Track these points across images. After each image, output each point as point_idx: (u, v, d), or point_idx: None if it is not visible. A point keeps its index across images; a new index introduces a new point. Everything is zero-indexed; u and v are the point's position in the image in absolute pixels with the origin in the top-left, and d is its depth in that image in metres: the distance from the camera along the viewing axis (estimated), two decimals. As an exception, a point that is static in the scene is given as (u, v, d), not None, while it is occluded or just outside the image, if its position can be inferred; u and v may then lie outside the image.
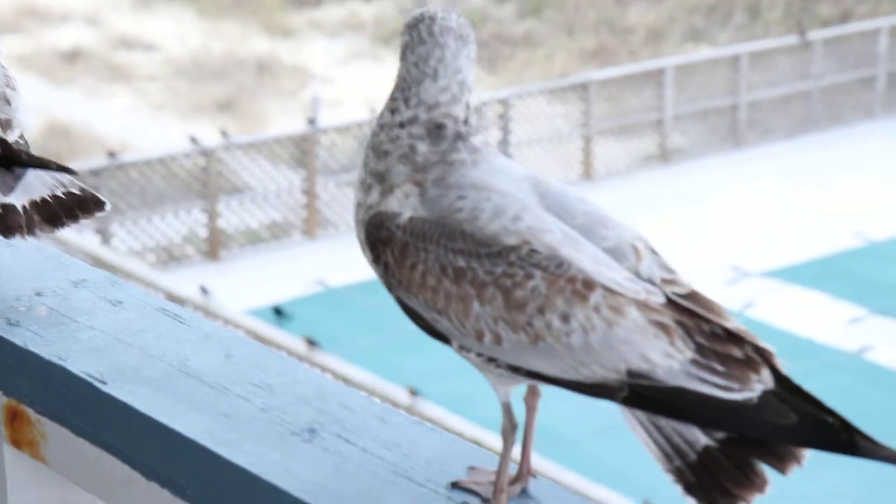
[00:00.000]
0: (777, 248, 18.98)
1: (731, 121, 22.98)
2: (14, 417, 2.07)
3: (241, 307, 15.89)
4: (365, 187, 1.76)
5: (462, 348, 1.70)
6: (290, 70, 29.26)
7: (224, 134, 19.79)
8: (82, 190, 2.22)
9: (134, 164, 18.89)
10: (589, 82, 21.83)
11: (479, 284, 1.65)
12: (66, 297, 2.23)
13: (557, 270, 1.64)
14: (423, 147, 1.73)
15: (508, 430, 1.73)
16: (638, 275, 1.67)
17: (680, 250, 18.83)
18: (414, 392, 12.36)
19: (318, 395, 1.96)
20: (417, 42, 1.73)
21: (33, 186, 2.18)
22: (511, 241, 1.65)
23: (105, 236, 18.41)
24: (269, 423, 1.90)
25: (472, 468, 1.76)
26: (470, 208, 1.67)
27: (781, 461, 1.65)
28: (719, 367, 1.63)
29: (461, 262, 1.66)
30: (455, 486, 1.73)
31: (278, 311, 16.74)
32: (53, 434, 2.03)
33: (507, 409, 1.72)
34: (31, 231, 2.14)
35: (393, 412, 1.91)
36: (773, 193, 20.94)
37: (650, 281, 1.67)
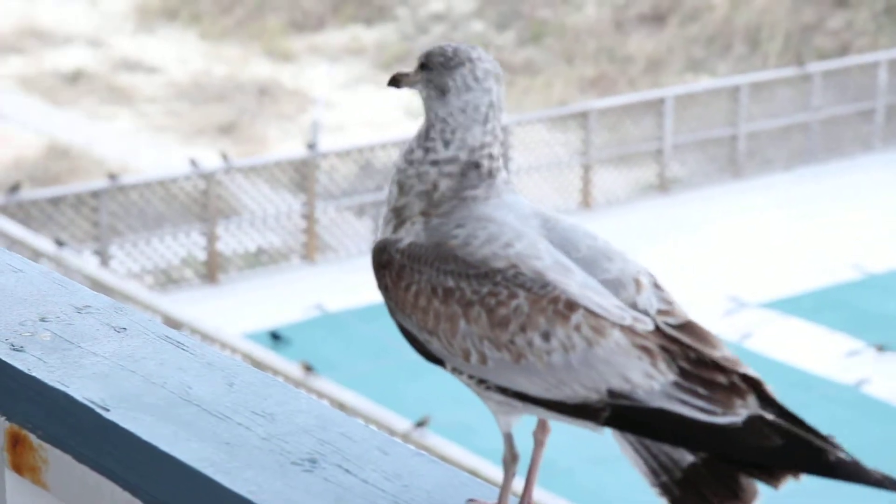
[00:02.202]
0: (775, 279, 19.00)
1: (730, 151, 23.02)
2: (16, 443, 2.07)
3: (238, 331, 15.89)
4: (385, 222, 1.84)
5: (455, 370, 1.74)
6: (291, 94, 29.33)
7: (224, 157, 19.83)
8: None
9: (134, 187, 18.91)
10: (588, 111, 21.88)
11: (465, 303, 1.70)
12: (69, 322, 2.24)
13: (541, 291, 1.68)
14: (445, 184, 1.79)
15: (509, 461, 1.75)
16: (634, 305, 1.69)
17: (678, 280, 18.84)
18: (422, 423, 12.27)
19: (319, 424, 1.97)
20: (464, 88, 1.77)
21: None
22: (499, 264, 1.70)
23: (104, 258, 18.42)
24: (270, 453, 1.91)
25: (470, 501, 1.77)
26: (465, 235, 1.73)
27: (772, 477, 1.67)
28: (702, 391, 1.65)
29: (450, 283, 1.71)
30: None
31: (276, 336, 16.73)
32: (55, 460, 2.03)
33: (508, 440, 1.74)
34: None
35: (394, 443, 1.92)
36: (771, 224, 20.97)
37: (644, 311, 1.69)
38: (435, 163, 1.79)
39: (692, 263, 19.37)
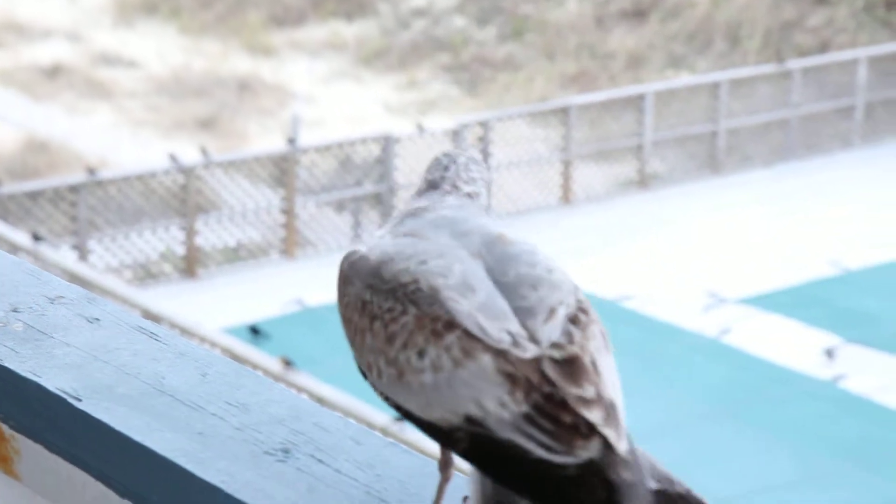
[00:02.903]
0: (754, 275, 19.06)
1: (709, 148, 23.08)
2: (-12, 433, 2.07)
3: (217, 326, 15.87)
4: None
5: (371, 385, 1.77)
6: (271, 89, 29.30)
7: (203, 152, 19.79)
8: None
9: (113, 181, 18.87)
10: (569, 106, 21.91)
11: (371, 317, 1.73)
12: (42, 313, 2.23)
13: (427, 309, 1.69)
14: (412, 200, 1.87)
15: (443, 465, 1.76)
16: (534, 334, 1.69)
17: (657, 275, 18.89)
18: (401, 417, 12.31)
19: (293, 415, 1.97)
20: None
21: None
22: (404, 279, 1.72)
23: (82, 252, 18.37)
24: (243, 443, 1.90)
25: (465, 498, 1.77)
26: (393, 251, 1.75)
27: None
28: (548, 427, 1.63)
29: (367, 296, 1.74)
30: None
31: (255, 331, 16.72)
32: (27, 450, 2.03)
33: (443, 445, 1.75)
34: None
35: (368, 433, 1.92)
36: (750, 220, 21.03)
37: (539, 340, 1.69)
38: (427, 181, 1.89)
39: (671, 259, 19.42)
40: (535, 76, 29.49)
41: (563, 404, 1.64)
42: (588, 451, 1.62)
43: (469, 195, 1.86)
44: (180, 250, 19.06)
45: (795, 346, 17.10)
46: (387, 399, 1.75)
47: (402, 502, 1.80)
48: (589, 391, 1.65)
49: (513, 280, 1.72)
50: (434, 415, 1.68)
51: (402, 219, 1.83)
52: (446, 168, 1.87)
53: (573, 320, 1.70)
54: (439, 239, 1.77)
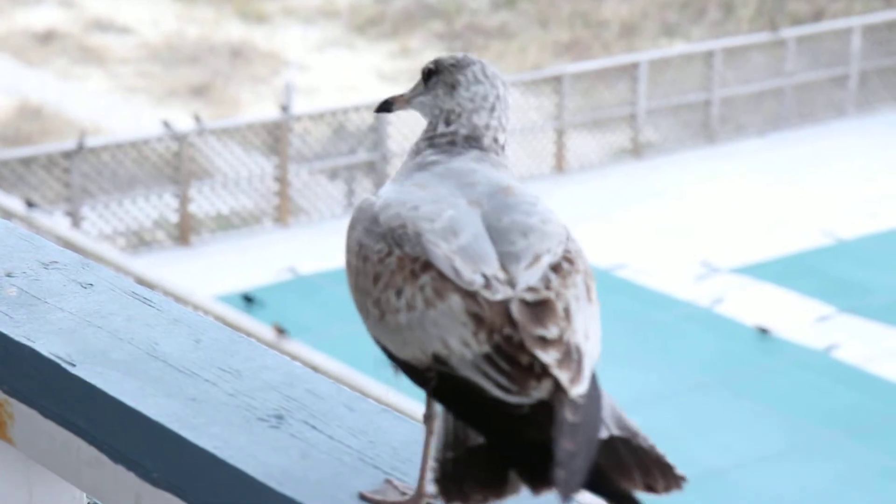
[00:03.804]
0: (747, 244, 19.07)
1: (703, 116, 23.06)
2: (-19, 398, 2.07)
3: (210, 293, 15.86)
4: None
5: (366, 327, 1.80)
6: (265, 56, 29.20)
7: (197, 119, 19.74)
8: None
9: (106, 148, 18.83)
10: (562, 75, 21.86)
11: (363, 259, 1.78)
12: (36, 278, 2.23)
13: (409, 251, 1.73)
14: (427, 151, 1.88)
15: (428, 418, 1.77)
16: (513, 279, 1.71)
17: (650, 245, 18.90)
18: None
19: (286, 381, 1.97)
20: (473, 82, 1.90)
21: None
22: (395, 223, 1.76)
23: (75, 219, 18.35)
24: (236, 409, 1.91)
25: (387, 481, 1.79)
26: (394, 197, 1.80)
27: (537, 481, 1.63)
28: (505, 367, 1.66)
29: (364, 239, 1.79)
30: (363, 498, 1.76)
31: (248, 298, 16.72)
32: (20, 415, 2.03)
33: (428, 397, 1.76)
34: None
35: (361, 400, 1.93)
36: (744, 190, 21.03)
37: (514, 284, 1.70)
38: (431, 137, 1.89)
39: (665, 228, 19.42)
40: (528, 44, 29.42)
41: (522, 346, 1.66)
42: (540, 391, 1.64)
43: (499, 147, 1.88)
44: (173, 217, 19.04)
45: (788, 316, 17.13)
46: (376, 341, 1.78)
47: (394, 468, 1.81)
48: (551, 332, 1.67)
49: (505, 226, 1.75)
50: (408, 354, 1.72)
51: (412, 169, 1.86)
52: (492, 109, 1.89)
53: (555, 268, 1.73)
54: (441, 189, 1.80)
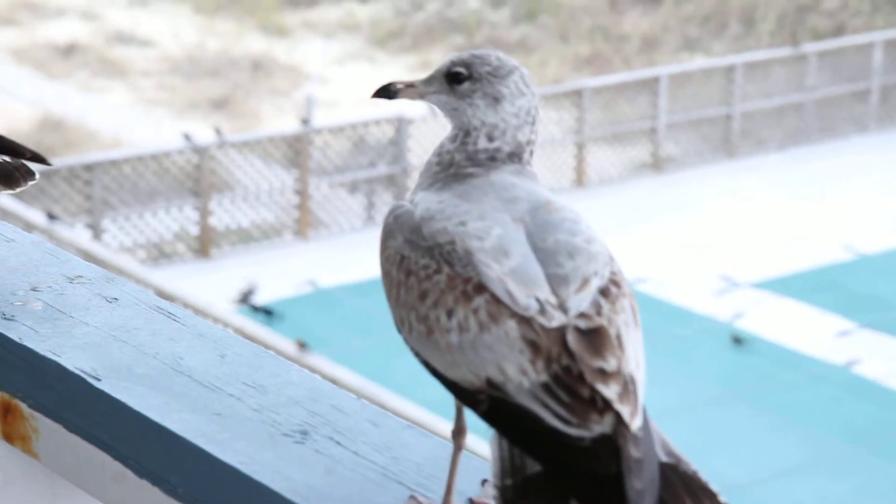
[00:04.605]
0: (768, 259, 19.02)
1: (724, 131, 23.02)
2: (7, 412, 2.07)
3: (230, 306, 15.88)
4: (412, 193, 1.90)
5: (404, 340, 1.79)
6: (285, 69, 29.27)
7: (217, 132, 19.79)
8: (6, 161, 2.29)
9: (127, 160, 18.88)
10: (583, 89, 21.85)
11: (406, 272, 1.76)
12: (61, 292, 2.24)
13: (460, 270, 1.72)
14: (458, 160, 1.85)
15: (456, 434, 1.77)
16: (564, 303, 1.70)
17: (670, 259, 18.86)
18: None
19: (310, 396, 1.97)
20: (518, 94, 1.86)
21: None
22: (442, 239, 1.74)
23: (97, 231, 18.39)
24: (261, 424, 1.91)
25: (411, 497, 1.78)
26: (436, 209, 1.78)
27: None
28: (565, 399, 1.66)
29: (406, 251, 1.77)
30: None
31: (268, 311, 16.73)
32: (46, 429, 2.03)
33: (458, 411, 1.77)
34: None
35: (385, 415, 1.93)
36: (764, 204, 20.98)
37: (567, 310, 1.69)
38: (471, 151, 1.85)
39: (685, 242, 19.38)
40: (548, 58, 29.42)
41: (582, 378, 1.66)
42: (602, 425, 1.64)
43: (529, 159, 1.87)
44: (194, 230, 19.07)
45: (809, 331, 17.07)
46: (416, 355, 1.77)
47: (419, 485, 1.80)
48: (610, 364, 1.67)
49: (551, 247, 1.74)
50: (457, 375, 1.70)
51: (448, 180, 1.83)
52: (533, 123, 1.86)
53: (604, 292, 1.72)
54: (484, 202, 1.78)
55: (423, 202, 1.80)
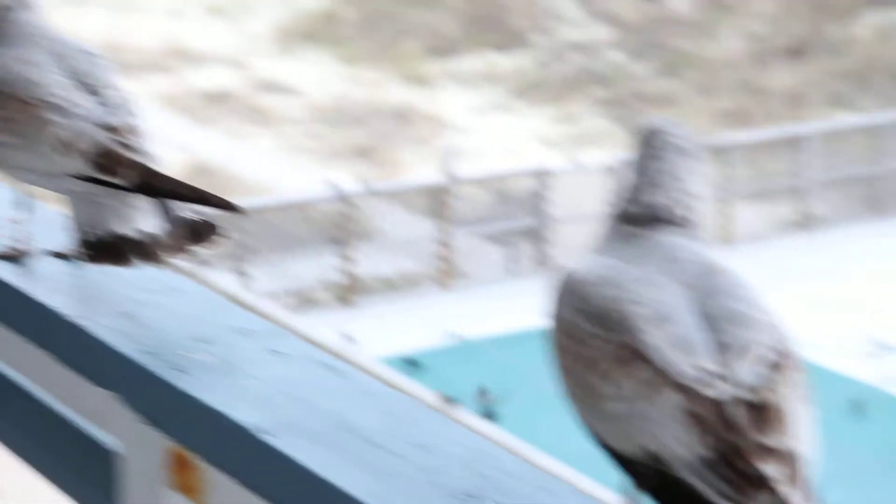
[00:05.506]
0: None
1: (872, 190, 22.60)
2: (177, 462, 2.10)
3: (373, 355, 15.95)
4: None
5: (567, 403, 1.78)
6: (428, 119, 29.50)
7: (361, 180, 19.98)
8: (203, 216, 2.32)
9: (273, 207, 19.15)
10: (727, 145, 21.65)
11: (570, 337, 1.75)
12: (230, 345, 2.26)
13: (622, 337, 1.69)
14: (625, 220, 1.85)
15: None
16: (727, 373, 1.66)
17: (819, 320, 18.49)
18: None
19: (478, 458, 1.96)
20: (698, 159, 1.90)
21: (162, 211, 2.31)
22: (603, 304, 1.73)
23: (243, 277, 18.66)
24: (427, 485, 1.90)
25: None
26: (601, 274, 1.76)
27: None
28: (728, 475, 1.62)
29: (569, 317, 1.76)
30: None
31: (411, 362, 16.76)
32: (215, 481, 2.05)
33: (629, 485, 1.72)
34: (162, 257, 2.28)
35: (558, 482, 1.90)
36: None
37: (732, 381, 1.65)
38: (644, 212, 1.85)
39: (833, 303, 19.01)
40: (691, 112, 29.22)
41: (744, 453, 1.62)
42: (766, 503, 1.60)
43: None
44: (338, 278, 19.24)
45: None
46: (580, 421, 1.75)
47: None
48: (774, 441, 1.63)
49: (716, 313, 1.70)
50: (618, 444, 1.68)
51: (614, 242, 1.83)
52: (706, 186, 1.87)
53: (772, 364, 1.67)
54: (649, 266, 1.76)
55: (590, 266, 1.79)
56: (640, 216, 1.84)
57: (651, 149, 1.87)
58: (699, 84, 30.35)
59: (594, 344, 1.72)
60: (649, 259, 1.78)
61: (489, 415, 13.54)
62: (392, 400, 2.13)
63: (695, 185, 1.85)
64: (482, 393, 13.33)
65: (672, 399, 1.65)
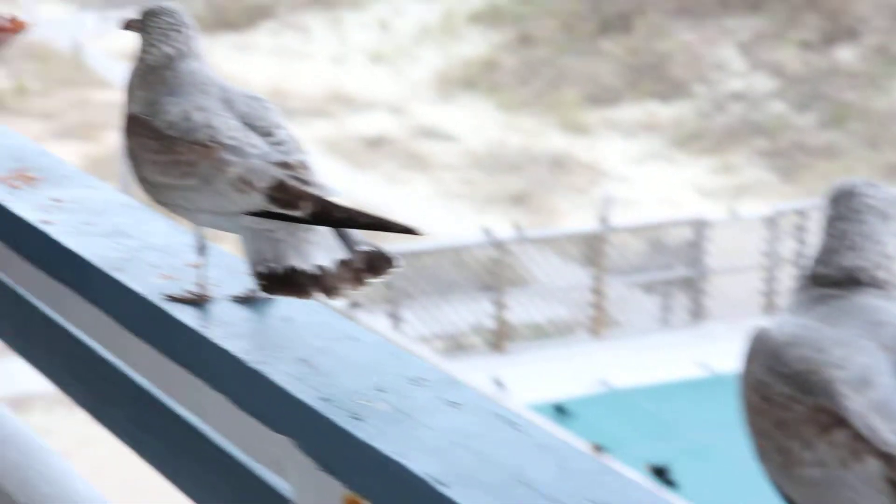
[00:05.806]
0: None
1: None
2: (353, 511, 2.11)
3: (523, 401, 15.93)
4: None
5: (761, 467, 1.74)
6: (584, 167, 29.47)
7: (516, 227, 20.02)
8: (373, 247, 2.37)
9: (427, 252, 19.28)
10: (892, 198, 21.20)
11: (764, 398, 1.72)
12: (405, 394, 2.27)
13: (820, 401, 1.66)
14: (821, 280, 1.81)
15: None
16: None
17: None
18: None
19: (656, 517, 1.93)
20: (835, 217, 1.84)
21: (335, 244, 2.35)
22: (801, 366, 1.70)
23: (396, 321, 18.80)
24: (605, 543, 1.88)
25: None
26: (797, 333, 1.73)
27: None
28: None
29: (764, 377, 1.73)
30: None
31: (560, 409, 16.70)
32: (389, 531, 2.06)
33: None
34: (340, 289, 2.32)
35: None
36: None
37: None
38: (843, 273, 1.81)
39: None
40: (856, 165, 28.70)
41: None
42: None
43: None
44: (490, 323, 19.27)
45: None
46: (774, 485, 1.72)
47: None
48: None
49: None
50: None
51: (810, 302, 1.79)
52: None
53: None
54: (848, 328, 1.73)
55: (785, 325, 1.75)
56: (836, 278, 1.80)
57: (847, 210, 1.83)
58: (864, 136, 29.82)
59: (791, 406, 1.69)
60: (848, 321, 1.74)
61: (658, 471, 13.37)
62: (567, 454, 2.11)
63: (894, 247, 1.80)
64: (658, 471, 13.13)
65: (873, 467, 1.61)
